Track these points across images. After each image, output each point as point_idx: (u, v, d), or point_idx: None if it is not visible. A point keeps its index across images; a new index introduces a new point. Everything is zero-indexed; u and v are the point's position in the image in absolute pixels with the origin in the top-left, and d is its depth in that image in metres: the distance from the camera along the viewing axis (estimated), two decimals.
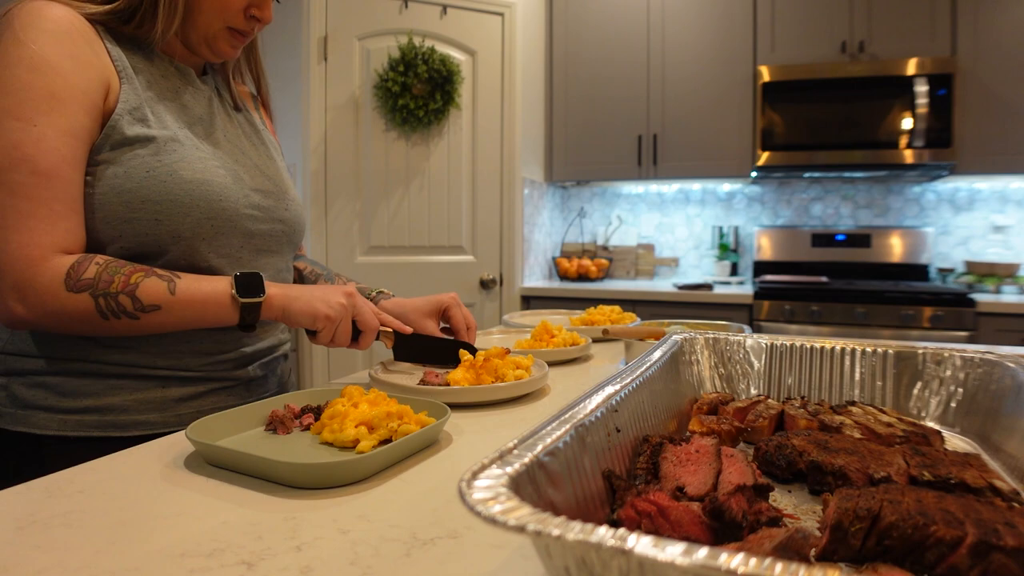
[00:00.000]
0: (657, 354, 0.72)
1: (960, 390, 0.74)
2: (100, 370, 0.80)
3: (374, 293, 1.11)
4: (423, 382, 0.91)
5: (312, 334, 0.84)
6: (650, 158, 3.17)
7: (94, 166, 0.78)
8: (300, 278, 1.12)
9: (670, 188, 3.55)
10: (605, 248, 3.58)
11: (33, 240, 0.72)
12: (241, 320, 0.79)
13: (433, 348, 0.99)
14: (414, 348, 0.95)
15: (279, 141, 1.14)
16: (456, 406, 0.83)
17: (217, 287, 0.78)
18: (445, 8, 2.80)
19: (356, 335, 0.87)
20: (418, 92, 2.70)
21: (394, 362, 1.04)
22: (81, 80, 0.76)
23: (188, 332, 0.84)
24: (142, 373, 0.82)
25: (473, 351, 0.99)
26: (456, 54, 2.83)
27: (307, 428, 0.73)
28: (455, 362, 0.96)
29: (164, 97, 0.85)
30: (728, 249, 3.37)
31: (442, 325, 1.10)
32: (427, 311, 1.06)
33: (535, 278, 3.34)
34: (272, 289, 0.81)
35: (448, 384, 0.90)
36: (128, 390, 0.81)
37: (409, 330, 0.93)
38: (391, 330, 0.92)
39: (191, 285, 0.77)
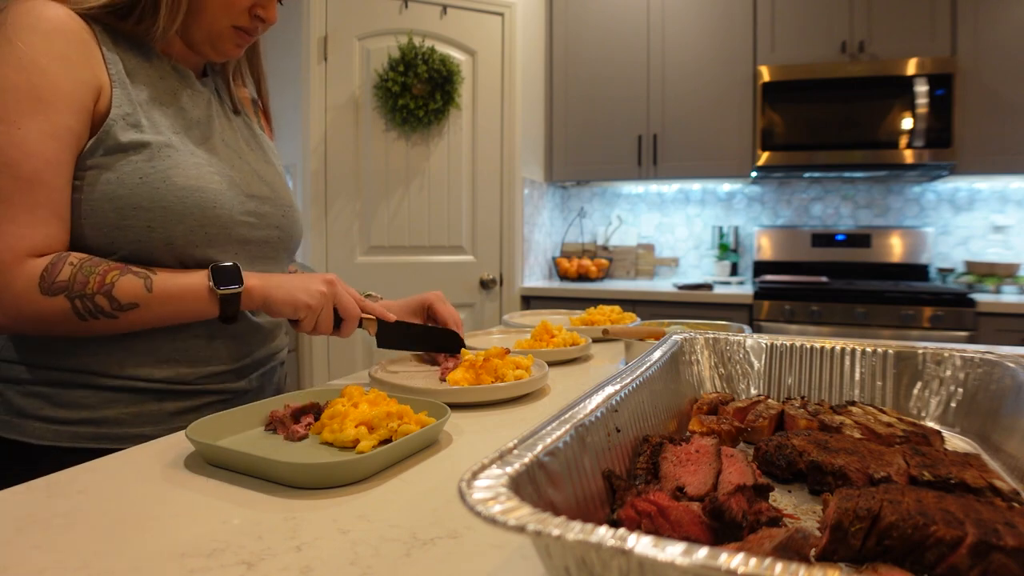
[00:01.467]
0: (657, 354, 0.72)
1: (960, 390, 0.74)
2: (97, 382, 0.79)
3: (363, 295, 1.10)
4: (443, 373, 0.93)
5: (295, 323, 0.84)
6: (650, 158, 3.17)
7: (85, 171, 0.76)
8: None
9: (670, 188, 3.55)
10: (605, 248, 3.58)
11: (8, 244, 0.70)
12: (222, 312, 0.78)
13: (417, 334, 0.98)
14: (397, 335, 0.94)
15: (276, 145, 1.13)
16: (456, 406, 0.83)
17: (194, 280, 0.77)
18: (445, 8, 2.80)
19: (339, 323, 0.86)
20: (418, 92, 2.70)
21: (393, 362, 1.04)
22: (68, 82, 0.74)
23: (183, 342, 0.83)
24: (139, 387, 0.80)
25: (459, 338, 1.01)
26: (456, 54, 2.83)
27: (308, 427, 0.73)
28: (439, 347, 0.99)
29: (161, 100, 0.83)
30: (728, 249, 3.37)
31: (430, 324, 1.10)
32: (411, 309, 1.07)
33: (535, 278, 3.34)
34: (252, 280, 0.79)
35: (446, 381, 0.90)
36: (124, 403, 0.80)
37: (392, 318, 0.92)
38: (373, 317, 0.91)
39: (167, 280, 0.76)
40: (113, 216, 0.76)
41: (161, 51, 0.87)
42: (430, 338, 1.00)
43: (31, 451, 0.77)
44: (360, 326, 0.90)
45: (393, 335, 0.94)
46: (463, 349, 1.01)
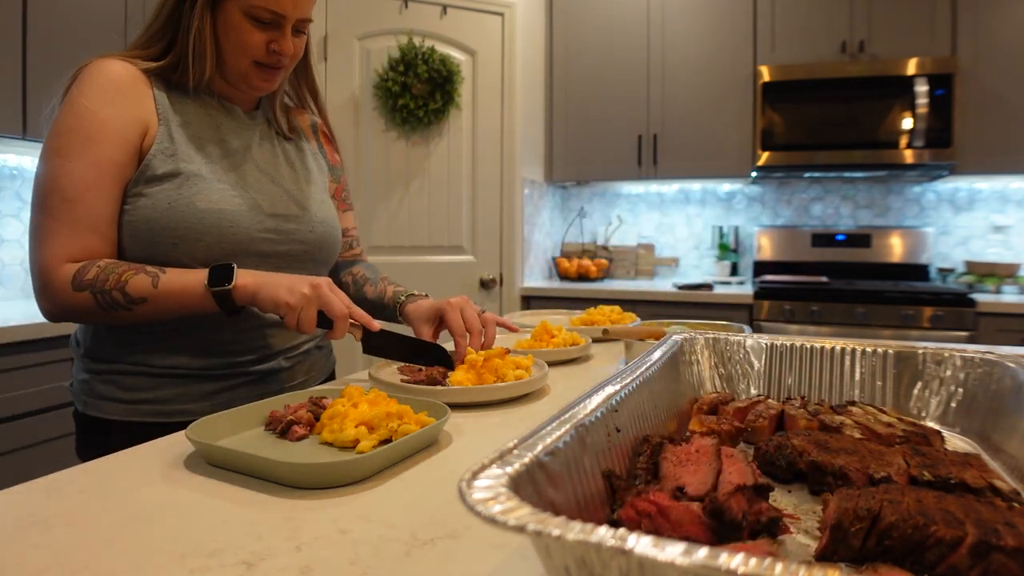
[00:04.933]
0: (657, 354, 0.72)
1: (960, 390, 0.74)
2: (151, 370, 0.95)
3: (403, 298, 1.15)
4: (408, 380, 0.93)
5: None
6: (650, 158, 3.17)
7: (133, 198, 0.91)
8: (352, 283, 1.23)
9: (670, 188, 3.55)
10: (605, 248, 3.58)
11: (54, 252, 0.87)
12: (221, 308, 0.87)
13: (403, 347, 0.98)
14: (382, 343, 0.95)
15: (340, 157, 1.28)
16: (456, 406, 0.83)
17: (194, 279, 0.87)
18: (445, 8, 2.80)
19: (329, 323, 0.89)
20: (418, 92, 2.70)
21: (392, 362, 1.04)
22: (116, 120, 0.90)
23: (214, 335, 0.96)
24: (181, 372, 0.96)
25: (446, 356, 0.98)
26: (456, 54, 2.83)
27: (309, 427, 0.73)
28: (426, 362, 0.99)
29: (201, 134, 0.98)
30: (728, 249, 3.37)
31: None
32: (426, 317, 1.09)
33: (535, 278, 3.34)
34: (244, 278, 0.87)
35: (437, 382, 0.90)
36: (172, 386, 0.96)
37: (376, 326, 0.93)
38: (359, 324, 0.92)
39: (172, 279, 0.87)
40: (147, 235, 0.91)
41: (213, 92, 1.02)
42: (417, 352, 0.99)
43: (108, 425, 0.95)
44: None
45: (378, 343, 0.94)
46: (467, 348, 1.00)
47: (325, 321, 0.88)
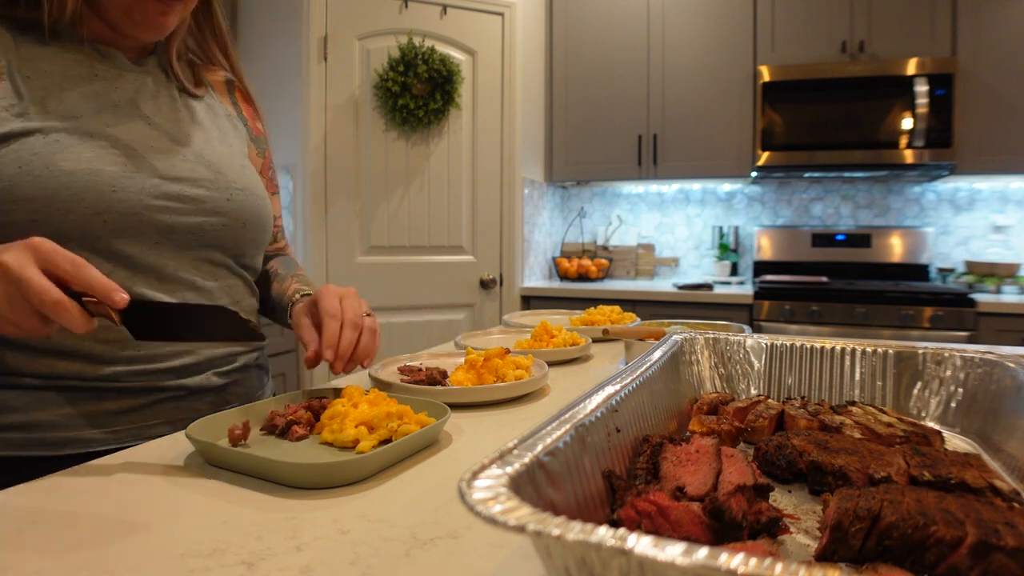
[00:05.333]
0: (657, 354, 0.72)
1: (960, 390, 0.74)
2: (23, 382, 0.71)
3: (299, 296, 0.93)
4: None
5: None
6: (650, 158, 3.17)
7: None
8: (264, 280, 1.01)
9: (670, 188, 3.55)
10: (605, 248, 3.58)
11: None
12: None
13: (172, 318, 0.67)
14: (149, 321, 0.64)
15: (263, 128, 1.04)
16: (456, 406, 0.83)
17: None
18: (445, 8, 2.80)
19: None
20: (418, 92, 2.70)
21: (391, 362, 1.04)
22: None
23: (118, 340, 0.75)
24: (71, 384, 0.73)
25: (240, 320, 0.66)
26: (456, 54, 2.83)
27: (309, 427, 0.73)
28: (225, 335, 0.70)
29: (63, 86, 0.75)
30: (728, 249, 3.37)
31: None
32: (305, 307, 0.86)
33: (535, 278, 3.34)
34: None
35: (437, 383, 0.90)
36: (57, 403, 0.72)
37: (122, 300, 0.59)
38: (97, 300, 0.59)
39: None
40: None
41: (85, 36, 0.79)
42: (209, 323, 0.68)
43: None
44: (94, 314, 0.60)
45: (143, 322, 0.64)
46: (467, 348, 0.96)
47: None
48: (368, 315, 0.85)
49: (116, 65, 0.81)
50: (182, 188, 0.80)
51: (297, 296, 0.93)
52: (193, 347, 0.82)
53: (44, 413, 0.72)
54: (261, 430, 0.72)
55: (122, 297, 0.59)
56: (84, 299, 0.59)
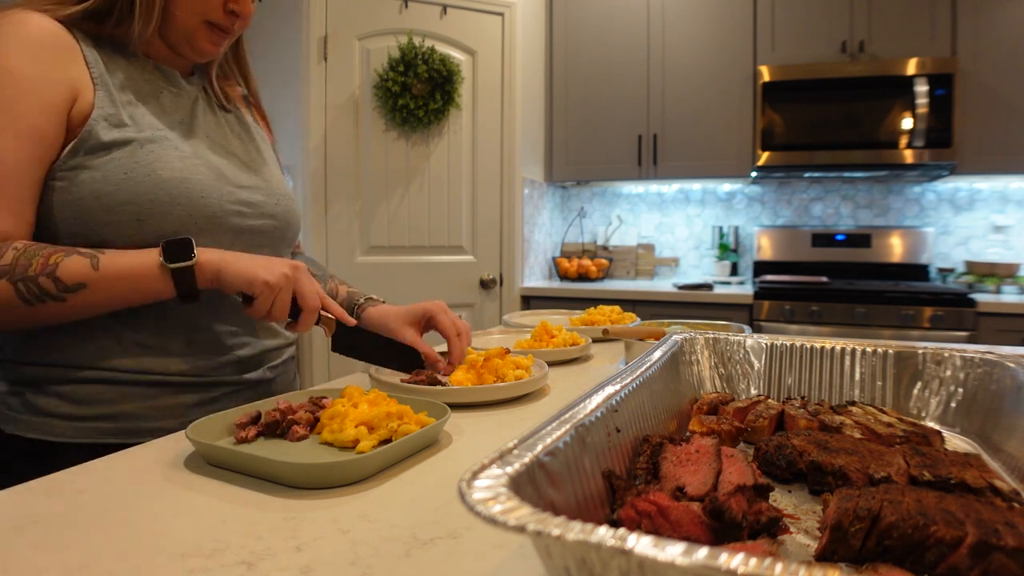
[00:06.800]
0: (657, 354, 0.72)
1: (960, 390, 0.74)
2: (113, 377, 0.80)
3: (362, 300, 1.08)
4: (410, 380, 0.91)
5: (248, 303, 0.78)
6: (650, 158, 3.17)
7: (68, 171, 0.77)
8: None
9: (670, 188, 3.55)
10: (605, 248, 3.58)
11: None
12: (178, 290, 0.75)
13: (376, 346, 0.90)
14: (356, 342, 0.86)
15: (274, 140, 1.14)
16: (456, 406, 0.83)
17: (145, 258, 0.74)
18: (445, 8, 2.80)
19: (297, 314, 0.80)
20: (418, 92, 2.70)
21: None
22: (38, 82, 0.76)
23: (190, 334, 0.84)
24: (154, 380, 0.81)
25: (419, 358, 0.94)
26: (456, 54, 2.83)
27: (309, 427, 0.73)
28: (398, 365, 0.92)
29: (142, 100, 0.85)
30: (728, 249, 3.37)
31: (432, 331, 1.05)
32: (409, 319, 1.02)
33: (535, 278, 3.34)
34: (206, 253, 0.76)
35: (437, 383, 0.90)
36: (142, 397, 0.81)
37: (353, 322, 0.85)
38: (332, 317, 0.83)
39: (116, 259, 0.74)
40: (102, 213, 0.77)
41: (145, 53, 0.88)
42: (390, 353, 0.92)
43: (54, 449, 0.78)
44: (318, 323, 0.83)
45: (350, 341, 0.86)
46: (468, 348, 1.00)
47: (292, 310, 0.79)
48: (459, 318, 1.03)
49: (174, 83, 0.91)
50: (249, 195, 0.90)
51: (360, 300, 1.09)
52: (248, 341, 0.91)
53: (131, 405, 0.81)
54: (261, 431, 0.72)
55: (352, 320, 0.86)
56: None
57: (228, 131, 0.96)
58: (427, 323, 1.02)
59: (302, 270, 0.79)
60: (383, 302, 1.09)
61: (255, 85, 1.08)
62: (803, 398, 0.80)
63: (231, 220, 0.87)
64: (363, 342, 0.87)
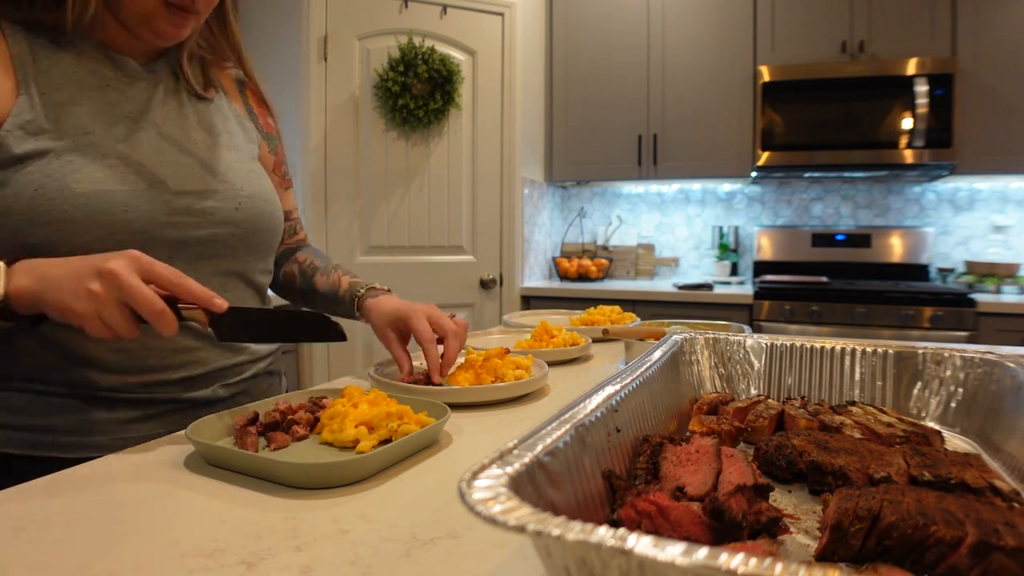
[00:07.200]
0: (657, 354, 0.72)
1: (960, 390, 0.74)
2: (46, 389, 0.76)
3: (362, 291, 0.99)
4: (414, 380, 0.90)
5: None
6: (650, 158, 3.17)
7: None
8: (300, 272, 1.05)
9: (670, 188, 3.55)
10: (605, 248, 3.58)
11: None
12: (13, 321, 0.67)
13: (273, 321, 0.77)
14: (246, 326, 0.73)
15: (275, 124, 1.06)
16: (456, 406, 0.83)
17: None
18: (445, 8, 2.80)
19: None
20: (418, 92, 2.70)
21: (392, 362, 1.03)
22: None
23: (126, 348, 0.78)
24: (87, 394, 0.77)
25: (331, 324, 0.77)
26: (456, 54, 2.83)
27: (309, 427, 0.73)
28: (309, 335, 0.77)
29: (79, 97, 0.76)
30: (728, 249, 3.37)
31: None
32: (389, 321, 0.93)
33: (535, 278, 3.34)
34: (22, 280, 0.64)
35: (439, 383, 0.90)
36: (73, 410, 0.76)
37: (222, 307, 0.67)
38: (196, 307, 0.68)
39: None
40: (11, 235, 0.70)
41: (100, 40, 0.80)
42: (295, 327, 0.78)
43: (7, 460, 0.75)
44: (186, 320, 0.68)
45: (238, 326, 0.71)
46: (467, 348, 0.98)
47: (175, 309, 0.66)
48: (452, 316, 0.94)
49: (127, 73, 0.82)
50: (191, 202, 0.81)
51: (361, 290, 0.99)
52: (201, 358, 0.83)
53: (59, 419, 0.76)
54: (261, 431, 0.72)
55: (221, 303, 0.67)
56: (179, 305, 0.67)
57: (193, 122, 0.87)
58: (403, 328, 0.93)
59: (120, 271, 0.62)
60: (387, 291, 1.01)
61: (249, 63, 0.98)
62: (803, 398, 0.80)
63: (165, 233, 0.78)
64: (256, 324, 0.75)
